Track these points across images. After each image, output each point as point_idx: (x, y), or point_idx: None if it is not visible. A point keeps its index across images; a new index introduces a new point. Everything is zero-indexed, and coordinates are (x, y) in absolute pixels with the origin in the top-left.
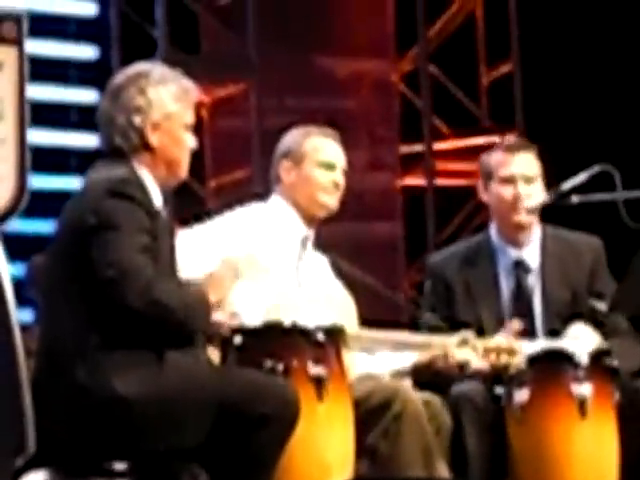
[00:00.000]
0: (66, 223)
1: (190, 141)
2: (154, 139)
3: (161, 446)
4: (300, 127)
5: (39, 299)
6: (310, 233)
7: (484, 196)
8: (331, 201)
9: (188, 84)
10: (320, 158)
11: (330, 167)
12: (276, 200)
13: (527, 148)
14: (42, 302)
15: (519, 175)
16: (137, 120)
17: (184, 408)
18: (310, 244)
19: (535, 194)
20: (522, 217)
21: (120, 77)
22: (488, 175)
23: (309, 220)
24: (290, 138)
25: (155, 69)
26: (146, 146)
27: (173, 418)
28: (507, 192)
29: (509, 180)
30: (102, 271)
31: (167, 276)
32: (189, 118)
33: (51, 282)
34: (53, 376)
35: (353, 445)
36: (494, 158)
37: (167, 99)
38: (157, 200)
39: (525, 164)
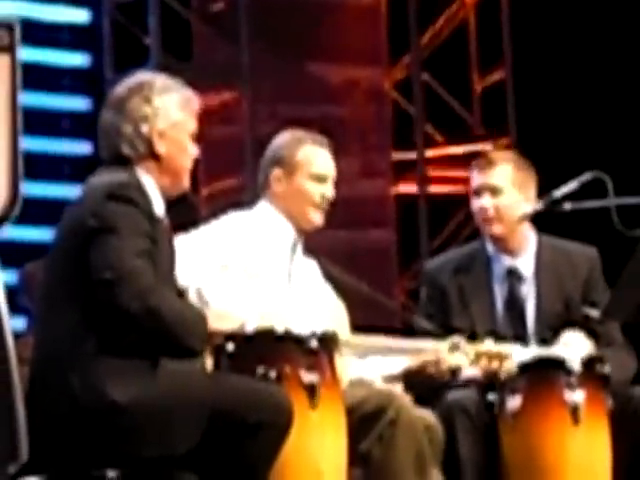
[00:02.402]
0: (66, 227)
1: (193, 149)
2: (161, 147)
3: (153, 452)
4: (291, 132)
5: (35, 305)
6: (300, 238)
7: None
8: (318, 218)
9: (190, 93)
10: (313, 170)
11: (322, 180)
12: (264, 206)
13: (497, 162)
14: (39, 307)
15: (484, 186)
16: (144, 129)
17: (177, 414)
18: (300, 248)
19: (508, 205)
20: (493, 229)
21: (122, 88)
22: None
23: (296, 230)
24: (282, 144)
25: (157, 78)
26: (153, 155)
27: (165, 424)
28: (475, 205)
29: (477, 192)
30: (99, 273)
31: (166, 284)
32: (192, 126)
33: (49, 287)
34: (48, 382)
35: (346, 452)
36: (471, 172)
37: (172, 107)
38: (159, 208)
39: (492, 176)
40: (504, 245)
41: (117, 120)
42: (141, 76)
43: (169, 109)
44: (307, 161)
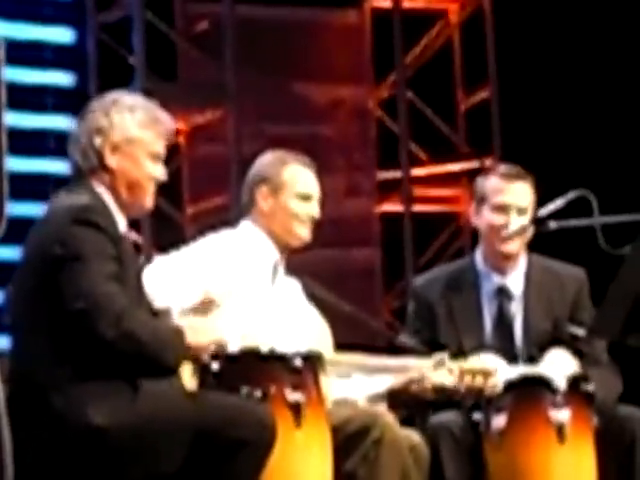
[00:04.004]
0: (31, 252)
1: (157, 171)
2: (112, 161)
3: (137, 475)
4: (274, 152)
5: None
6: (282, 258)
7: (475, 220)
8: (305, 233)
9: (160, 114)
10: (298, 189)
11: (307, 198)
12: (247, 225)
13: (524, 178)
14: (12, 333)
15: (513, 205)
16: (97, 141)
17: (159, 436)
18: (282, 269)
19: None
20: (510, 247)
21: (93, 103)
22: (481, 199)
23: (282, 248)
24: (267, 164)
25: (126, 97)
26: (104, 167)
27: (148, 446)
28: (498, 220)
29: (502, 209)
30: (72, 302)
31: (135, 302)
32: (157, 147)
33: (19, 313)
34: (27, 407)
35: (331, 472)
36: (490, 183)
37: (131, 124)
38: (121, 225)
39: (520, 194)
40: (504, 263)
41: (78, 132)
42: (114, 94)
43: (127, 125)
44: (292, 180)
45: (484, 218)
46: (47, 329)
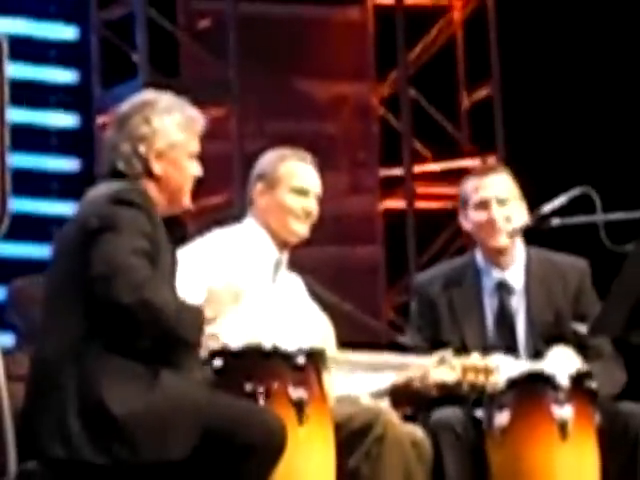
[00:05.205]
0: (65, 238)
1: (194, 169)
2: (158, 168)
3: (144, 459)
4: (277, 149)
5: (40, 314)
6: (283, 256)
7: (465, 224)
8: (302, 229)
9: (194, 113)
10: (293, 184)
11: (303, 193)
12: (249, 222)
13: (497, 170)
14: (42, 312)
15: (491, 198)
16: (141, 148)
17: (170, 422)
18: (284, 266)
19: (511, 215)
20: (500, 240)
21: (126, 106)
22: (464, 202)
23: (280, 244)
24: (266, 161)
25: (161, 98)
26: (150, 174)
27: (159, 431)
28: (482, 217)
29: (482, 204)
30: (95, 267)
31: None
32: (194, 147)
33: (50, 296)
34: (47, 383)
35: (334, 469)
36: (467, 185)
37: (172, 128)
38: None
39: (496, 186)
40: (500, 258)
41: (116, 138)
42: (146, 95)
43: (169, 130)
44: (288, 175)
45: (470, 219)
46: (74, 303)
